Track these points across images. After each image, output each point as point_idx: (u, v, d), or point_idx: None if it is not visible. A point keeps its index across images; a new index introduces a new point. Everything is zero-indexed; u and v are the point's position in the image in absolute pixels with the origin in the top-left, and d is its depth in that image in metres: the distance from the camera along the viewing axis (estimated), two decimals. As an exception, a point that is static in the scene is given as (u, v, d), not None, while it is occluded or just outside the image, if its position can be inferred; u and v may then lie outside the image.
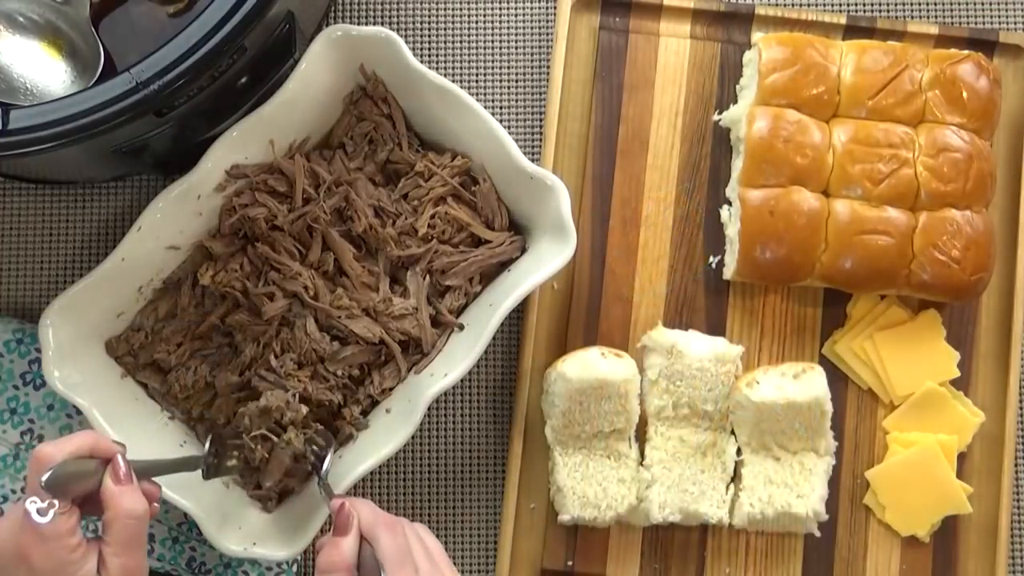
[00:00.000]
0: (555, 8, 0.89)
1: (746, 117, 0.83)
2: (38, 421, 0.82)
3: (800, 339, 0.86)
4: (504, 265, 0.82)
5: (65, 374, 0.76)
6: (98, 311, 0.78)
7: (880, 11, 0.91)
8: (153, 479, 0.69)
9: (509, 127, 0.88)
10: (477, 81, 0.89)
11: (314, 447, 0.77)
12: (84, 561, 0.61)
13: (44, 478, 0.60)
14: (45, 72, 0.74)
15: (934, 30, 0.88)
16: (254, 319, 0.81)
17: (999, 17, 0.91)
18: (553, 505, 0.84)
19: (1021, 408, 0.86)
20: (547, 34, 0.90)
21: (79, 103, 0.67)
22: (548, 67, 0.88)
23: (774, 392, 0.80)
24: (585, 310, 0.86)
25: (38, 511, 0.60)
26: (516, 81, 0.89)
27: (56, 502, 0.60)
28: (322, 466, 0.75)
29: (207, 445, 0.74)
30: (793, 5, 0.90)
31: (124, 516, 0.63)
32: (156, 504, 0.68)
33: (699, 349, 0.82)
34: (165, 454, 0.78)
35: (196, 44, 0.67)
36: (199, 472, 0.79)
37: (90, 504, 0.64)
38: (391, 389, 0.81)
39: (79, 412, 0.78)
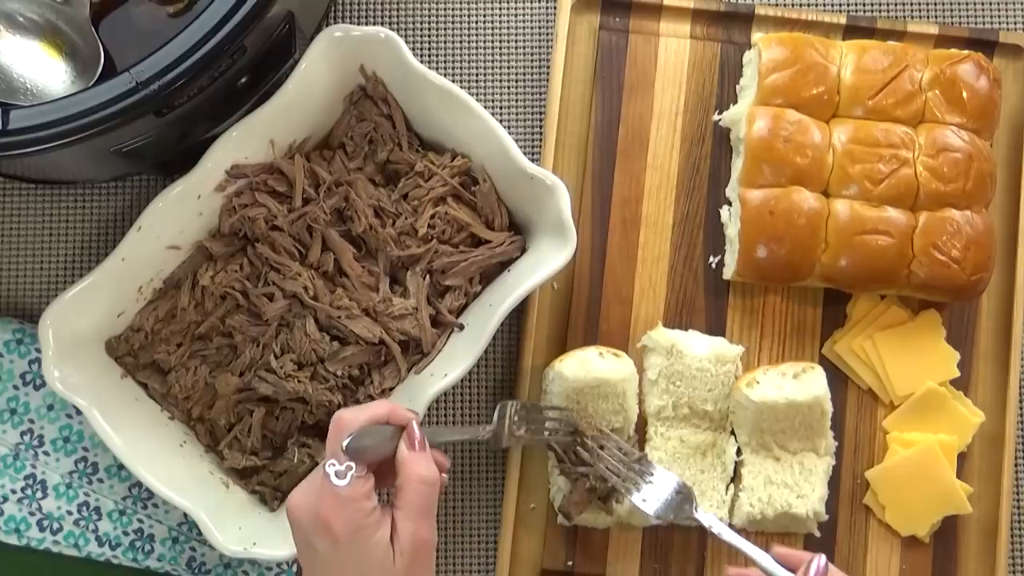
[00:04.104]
0: (555, 8, 0.89)
1: (746, 117, 0.83)
2: (38, 421, 0.82)
3: (800, 339, 0.86)
4: (504, 265, 0.82)
5: (65, 374, 0.76)
6: (98, 311, 0.78)
7: (880, 11, 0.91)
8: (437, 451, 0.69)
9: (509, 127, 0.88)
10: (477, 81, 0.89)
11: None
12: (379, 525, 0.63)
13: (345, 442, 0.62)
14: (45, 72, 0.74)
15: (934, 30, 0.88)
16: (254, 320, 0.81)
17: (999, 17, 0.91)
18: (553, 505, 0.84)
19: (1021, 408, 0.86)
20: (547, 34, 0.90)
21: (79, 103, 0.67)
22: (548, 67, 0.88)
23: (774, 392, 0.80)
24: (585, 310, 0.86)
25: (336, 474, 0.62)
26: (516, 81, 0.89)
27: (354, 465, 0.62)
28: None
29: (495, 417, 0.76)
30: (793, 5, 0.90)
31: (416, 480, 0.64)
32: (446, 475, 0.69)
33: (699, 349, 0.82)
34: (165, 454, 0.78)
35: (196, 44, 0.67)
36: (199, 472, 0.79)
37: (380, 476, 0.66)
38: (391, 389, 0.81)
39: (79, 412, 0.78)
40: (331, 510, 0.62)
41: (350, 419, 0.64)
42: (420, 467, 0.65)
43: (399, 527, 0.64)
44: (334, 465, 0.62)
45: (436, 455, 0.68)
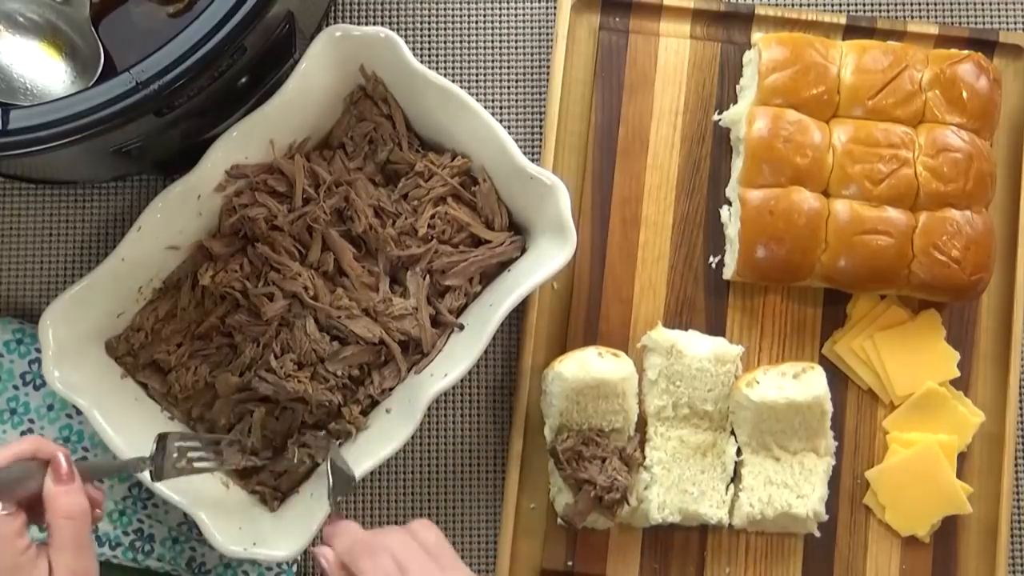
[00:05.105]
0: (555, 8, 0.89)
1: (746, 117, 0.83)
2: (38, 421, 0.82)
3: (800, 339, 0.86)
4: (504, 265, 0.82)
5: (65, 374, 0.76)
6: (98, 311, 0.78)
7: (880, 11, 0.91)
8: (100, 481, 0.70)
9: (509, 127, 0.88)
10: (477, 81, 0.89)
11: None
12: (35, 564, 0.61)
13: None
14: (45, 72, 0.74)
15: (934, 30, 0.88)
16: (254, 319, 0.81)
17: (999, 17, 0.91)
18: (553, 505, 0.84)
19: (1021, 408, 0.86)
20: (547, 34, 0.90)
21: (79, 103, 0.67)
22: (548, 67, 0.88)
23: (774, 392, 0.80)
24: (585, 310, 0.86)
25: None
26: (516, 81, 0.89)
27: (1, 504, 0.61)
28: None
29: (153, 447, 0.73)
30: (793, 5, 0.90)
31: (62, 516, 0.63)
32: (99, 511, 0.68)
33: (699, 349, 0.82)
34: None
35: (196, 44, 0.67)
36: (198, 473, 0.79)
37: (33, 512, 0.64)
38: (391, 389, 0.81)
39: (79, 412, 0.78)
40: None
41: None
42: (65, 501, 0.63)
43: (55, 564, 0.62)
44: None
45: (90, 489, 0.66)
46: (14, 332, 0.83)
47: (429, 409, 0.78)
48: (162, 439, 0.73)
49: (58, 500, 0.63)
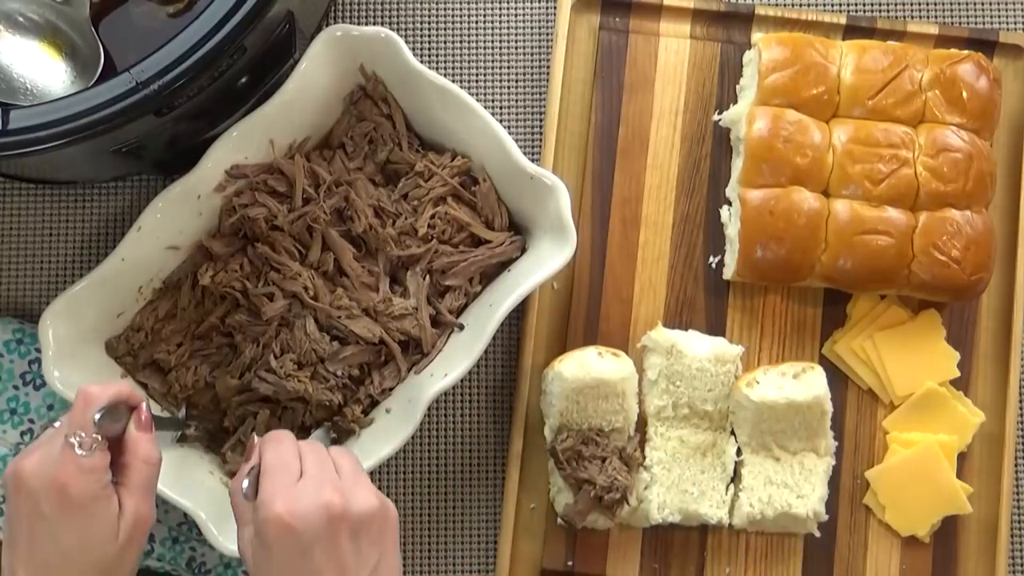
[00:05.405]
0: (555, 8, 0.89)
1: (746, 117, 0.83)
2: (38, 421, 0.82)
3: (800, 339, 0.86)
4: (504, 265, 0.82)
5: (65, 374, 0.76)
6: (98, 311, 0.78)
7: (880, 11, 0.91)
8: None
9: (509, 127, 0.88)
10: (477, 81, 0.89)
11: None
12: (111, 499, 0.64)
13: (98, 416, 0.64)
14: (45, 72, 0.74)
15: (934, 30, 0.88)
16: (254, 319, 0.81)
17: (999, 17, 0.91)
18: (553, 505, 0.84)
19: (1021, 408, 0.86)
20: (547, 34, 0.90)
21: (79, 103, 0.67)
22: (548, 67, 0.88)
23: (774, 392, 0.80)
24: (585, 310, 0.86)
25: (80, 444, 0.63)
26: (516, 81, 0.89)
27: (99, 438, 0.64)
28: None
29: (183, 411, 0.80)
30: (793, 5, 0.90)
31: (142, 460, 0.66)
32: None
33: (699, 349, 0.82)
34: (165, 454, 0.78)
35: (196, 44, 0.67)
36: (199, 473, 0.79)
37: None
38: (391, 389, 0.81)
39: (79, 412, 0.78)
40: (70, 478, 0.62)
41: (97, 394, 0.65)
42: (146, 447, 0.67)
43: (124, 503, 0.65)
44: (80, 436, 0.63)
45: None
46: (14, 332, 0.83)
47: (429, 409, 0.78)
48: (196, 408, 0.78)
49: (141, 444, 0.67)
